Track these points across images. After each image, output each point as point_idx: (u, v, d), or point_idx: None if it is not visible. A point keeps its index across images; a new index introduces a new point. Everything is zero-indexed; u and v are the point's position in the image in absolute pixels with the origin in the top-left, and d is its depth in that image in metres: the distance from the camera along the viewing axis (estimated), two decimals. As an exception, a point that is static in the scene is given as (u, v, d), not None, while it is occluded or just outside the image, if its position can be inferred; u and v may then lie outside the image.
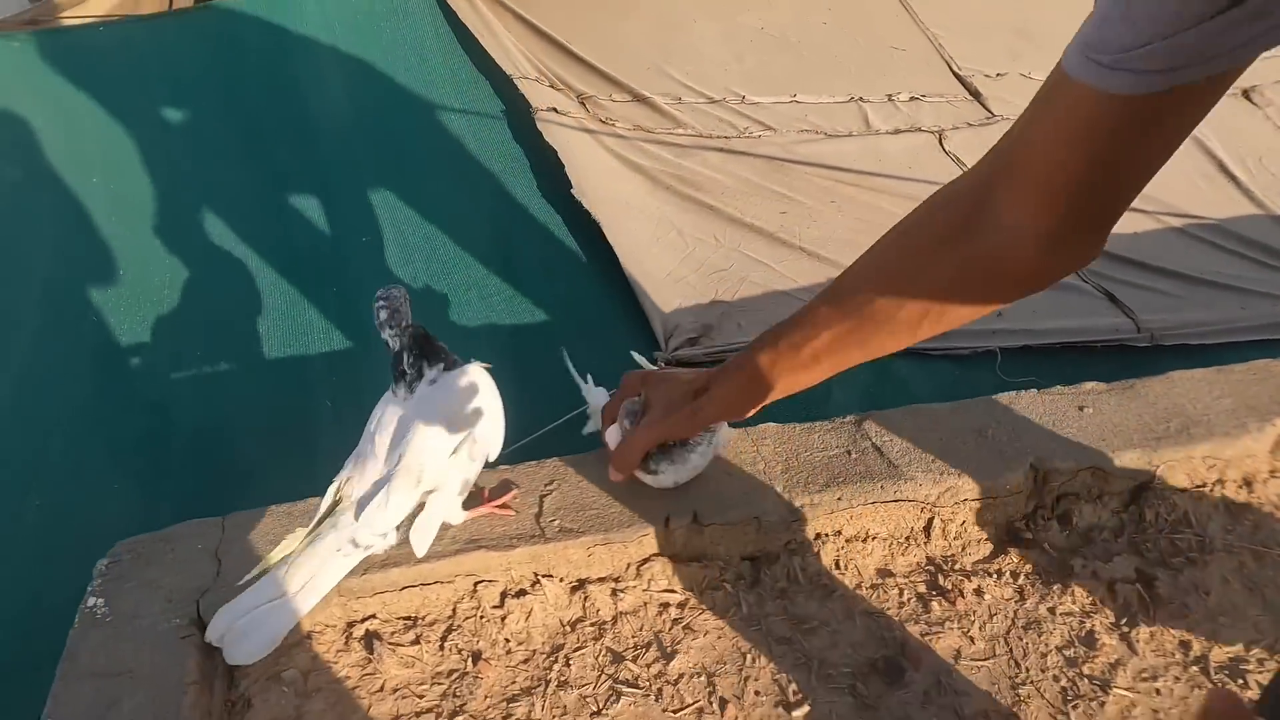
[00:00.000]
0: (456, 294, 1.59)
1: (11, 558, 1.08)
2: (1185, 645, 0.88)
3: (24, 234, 1.70)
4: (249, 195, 1.79)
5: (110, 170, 1.82)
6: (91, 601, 0.85)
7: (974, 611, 0.91)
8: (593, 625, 0.90)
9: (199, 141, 1.91)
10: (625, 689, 0.85)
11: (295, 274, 1.61)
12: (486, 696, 0.84)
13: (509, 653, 0.87)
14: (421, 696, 0.84)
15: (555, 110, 1.90)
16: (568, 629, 0.90)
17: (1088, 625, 0.90)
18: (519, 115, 1.90)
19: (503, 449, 0.92)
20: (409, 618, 0.89)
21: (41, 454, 1.24)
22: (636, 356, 1.08)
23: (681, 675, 0.86)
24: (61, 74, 2.04)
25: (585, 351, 1.08)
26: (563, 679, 0.85)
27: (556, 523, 0.92)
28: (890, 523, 0.98)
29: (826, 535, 0.97)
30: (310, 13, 2.17)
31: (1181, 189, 1.93)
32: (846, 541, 0.97)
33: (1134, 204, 0.61)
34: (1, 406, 1.31)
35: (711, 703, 0.84)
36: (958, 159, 1.97)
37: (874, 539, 0.98)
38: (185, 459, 1.24)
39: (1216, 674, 0.86)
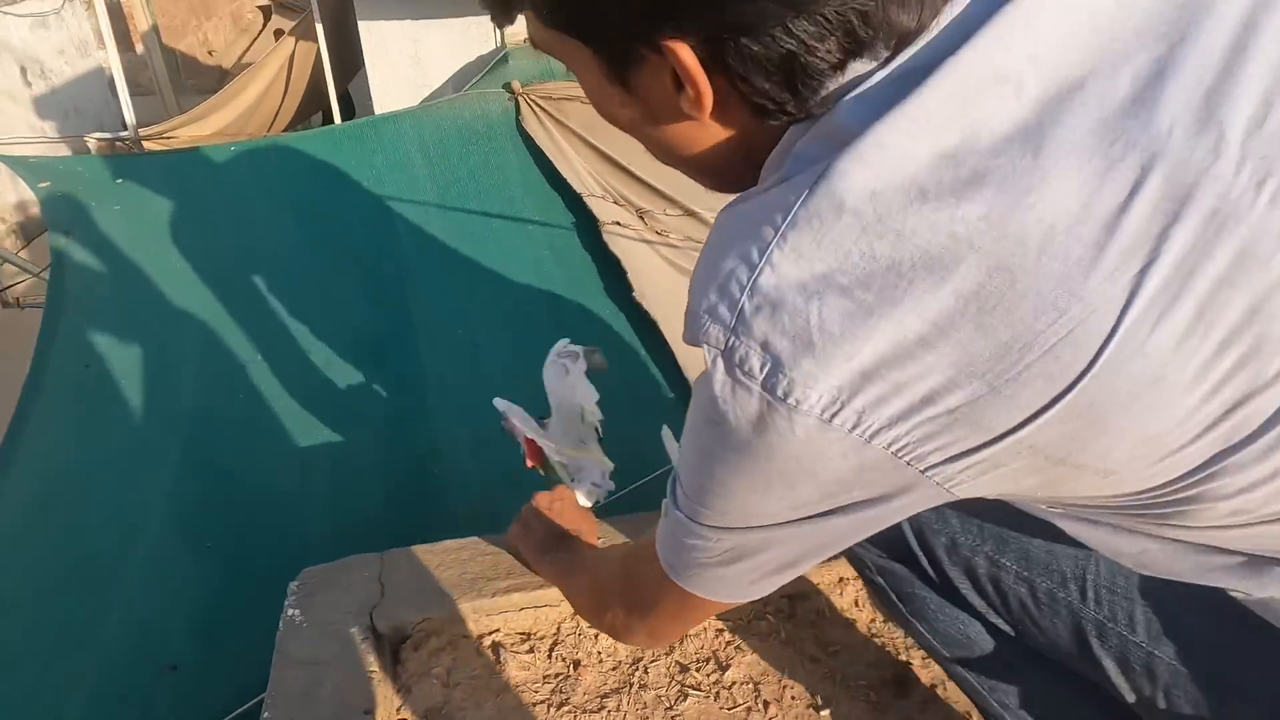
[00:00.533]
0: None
1: (210, 580, 1.37)
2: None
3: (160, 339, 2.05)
4: (354, 296, 2.13)
5: (222, 281, 2.18)
6: (290, 612, 1.13)
7: (965, 642, 1.16)
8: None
9: (301, 252, 2.27)
10: (691, 692, 1.10)
11: (404, 361, 1.93)
12: (585, 694, 1.10)
13: (600, 661, 1.14)
14: (535, 692, 1.10)
15: (619, 224, 2.24)
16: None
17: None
18: (588, 228, 2.24)
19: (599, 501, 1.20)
20: (524, 633, 1.16)
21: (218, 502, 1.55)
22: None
23: (734, 683, 1.11)
24: (168, 192, 2.43)
25: (629, 423, 1.37)
26: (643, 683, 1.11)
27: (637, 562, 1.19)
28: (899, 571, 1.23)
29: (847, 579, 1.23)
30: (407, 137, 2.57)
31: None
32: (861, 586, 1.23)
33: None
34: (197, 469, 1.63)
35: (758, 704, 1.09)
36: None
37: (886, 584, 1.23)
38: (328, 510, 1.54)
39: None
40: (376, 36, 3.29)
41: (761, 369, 0.42)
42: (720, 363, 0.43)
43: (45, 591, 1.51)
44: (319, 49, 2.70)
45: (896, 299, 0.39)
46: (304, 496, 1.60)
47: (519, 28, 0.52)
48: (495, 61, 2.78)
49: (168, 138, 2.89)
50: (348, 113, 3.93)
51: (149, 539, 1.53)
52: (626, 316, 2.03)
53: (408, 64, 3.34)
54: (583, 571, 0.90)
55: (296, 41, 3.39)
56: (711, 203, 2.42)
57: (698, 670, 1.13)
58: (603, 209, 2.28)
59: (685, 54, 0.44)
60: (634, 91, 0.49)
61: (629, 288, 1.99)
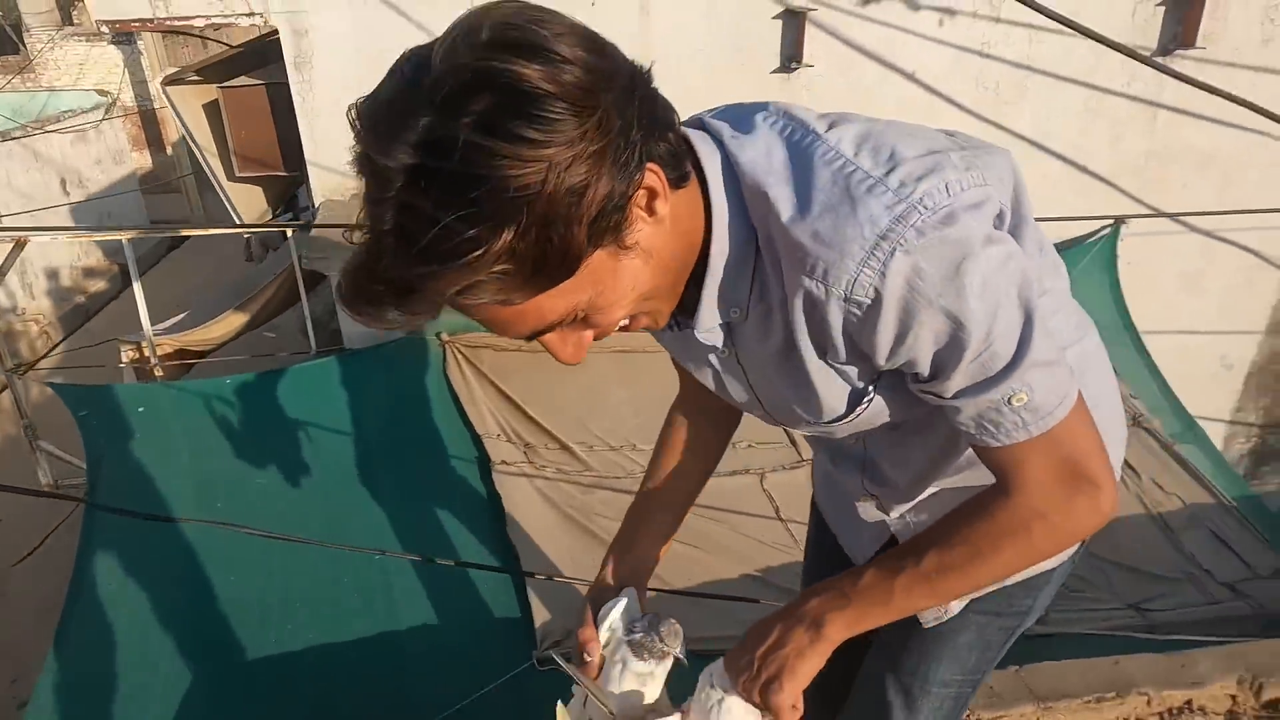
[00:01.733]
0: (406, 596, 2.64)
1: None
2: None
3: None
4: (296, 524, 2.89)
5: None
6: None
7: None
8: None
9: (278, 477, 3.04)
10: None
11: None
12: None
13: None
14: None
15: (505, 463, 2.99)
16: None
17: None
18: (486, 463, 3.00)
19: None
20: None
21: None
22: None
23: None
24: (176, 420, 3.18)
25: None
26: None
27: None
28: None
29: None
30: (363, 373, 3.35)
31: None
32: None
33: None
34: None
35: None
36: (771, 497, 3.00)
37: None
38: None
39: None
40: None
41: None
42: (897, 274, 0.62)
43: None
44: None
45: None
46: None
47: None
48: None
49: (183, 344, 3.70)
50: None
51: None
52: (490, 549, 2.77)
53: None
54: (949, 542, 0.75)
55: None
56: (583, 438, 3.17)
57: None
58: (496, 449, 3.02)
59: (654, 173, 0.61)
60: (633, 244, 0.61)
61: (504, 523, 2.73)
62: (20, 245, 3.16)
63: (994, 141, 0.84)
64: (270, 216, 4.16)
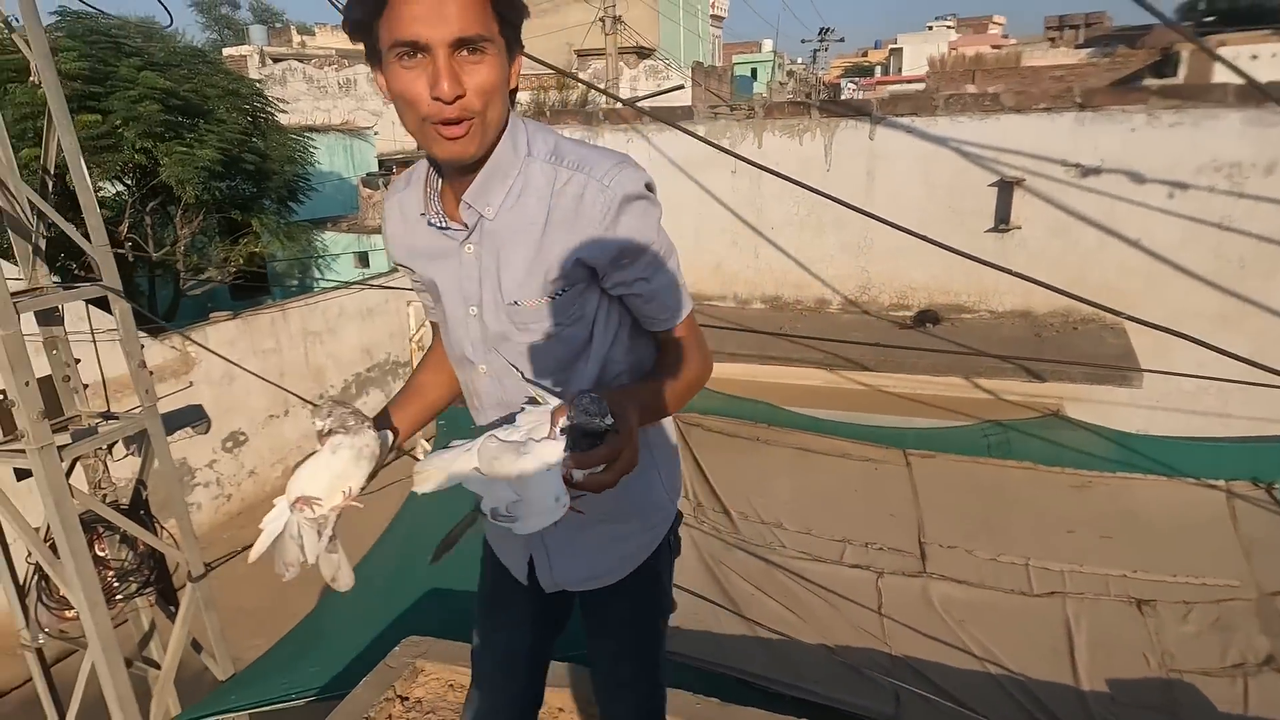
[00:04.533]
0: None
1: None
2: None
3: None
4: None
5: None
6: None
7: None
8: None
9: None
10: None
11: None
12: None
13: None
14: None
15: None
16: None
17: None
18: (659, 510, 3.86)
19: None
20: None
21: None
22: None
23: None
24: None
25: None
26: None
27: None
28: None
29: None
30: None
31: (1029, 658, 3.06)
32: None
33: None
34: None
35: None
36: (880, 593, 3.38)
37: None
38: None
39: None
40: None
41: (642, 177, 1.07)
42: (629, 181, 1.04)
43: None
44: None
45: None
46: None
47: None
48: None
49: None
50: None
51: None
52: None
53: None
54: (674, 376, 1.16)
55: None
56: (742, 507, 3.86)
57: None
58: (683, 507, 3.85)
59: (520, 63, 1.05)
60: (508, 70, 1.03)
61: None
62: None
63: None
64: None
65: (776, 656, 3.13)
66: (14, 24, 3.39)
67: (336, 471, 1.06)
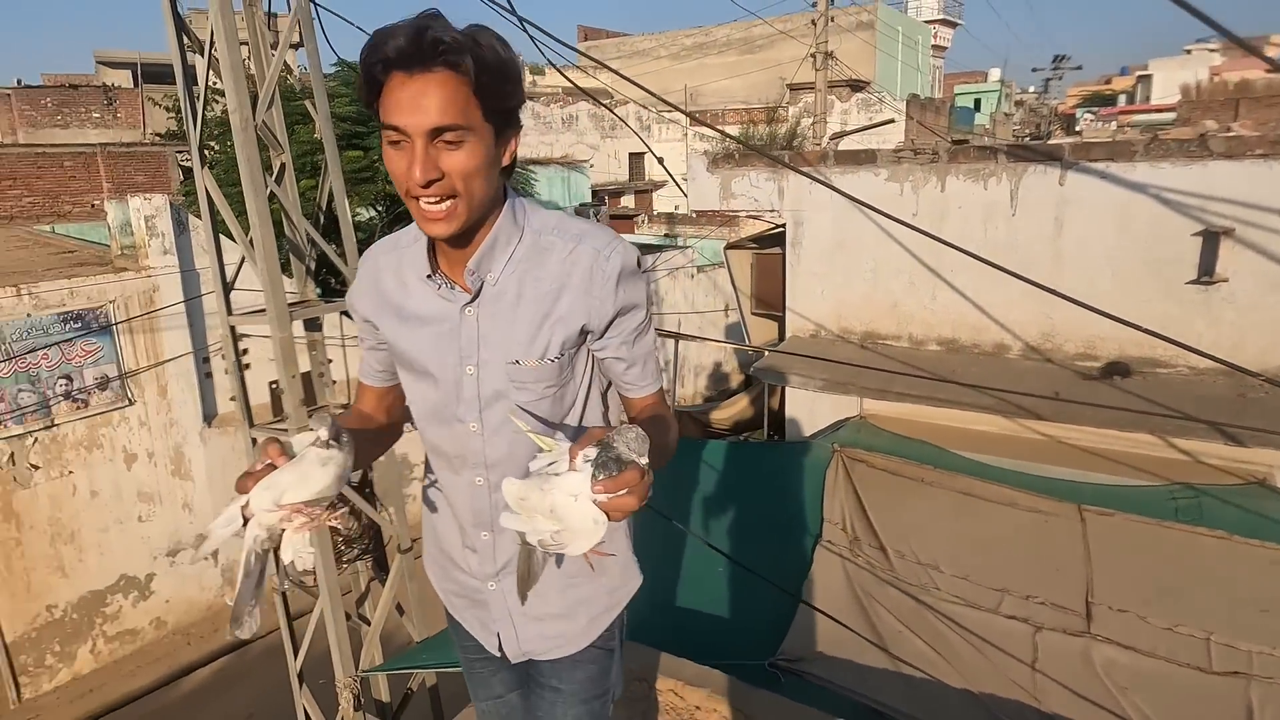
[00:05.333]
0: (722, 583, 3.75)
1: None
2: None
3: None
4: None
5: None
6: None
7: None
8: None
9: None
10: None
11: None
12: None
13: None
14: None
15: (831, 542, 3.93)
16: None
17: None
18: (818, 538, 3.98)
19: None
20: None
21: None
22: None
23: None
24: None
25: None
26: None
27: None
28: None
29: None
30: (769, 454, 4.64)
31: None
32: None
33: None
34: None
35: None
36: (1036, 647, 3.30)
37: None
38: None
39: None
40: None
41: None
42: (628, 253, 1.16)
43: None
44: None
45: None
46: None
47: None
48: (836, 425, 4.69)
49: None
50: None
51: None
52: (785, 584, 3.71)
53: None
54: (664, 437, 1.21)
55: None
56: (898, 545, 3.90)
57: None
58: (832, 532, 3.93)
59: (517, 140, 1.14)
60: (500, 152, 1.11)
61: (803, 577, 3.67)
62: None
63: None
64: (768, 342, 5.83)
65: (917, 693, 3.15)
66: (302, 70, 4.21)
67: (324, 484, 1.03)
